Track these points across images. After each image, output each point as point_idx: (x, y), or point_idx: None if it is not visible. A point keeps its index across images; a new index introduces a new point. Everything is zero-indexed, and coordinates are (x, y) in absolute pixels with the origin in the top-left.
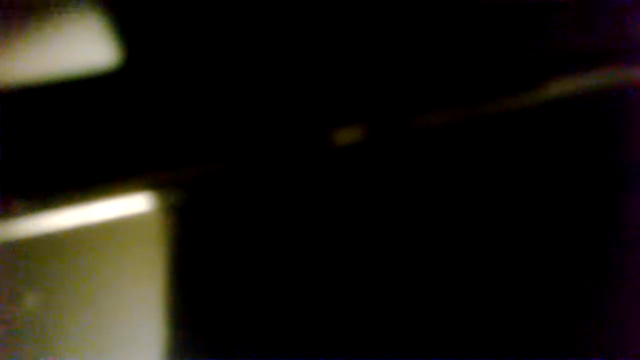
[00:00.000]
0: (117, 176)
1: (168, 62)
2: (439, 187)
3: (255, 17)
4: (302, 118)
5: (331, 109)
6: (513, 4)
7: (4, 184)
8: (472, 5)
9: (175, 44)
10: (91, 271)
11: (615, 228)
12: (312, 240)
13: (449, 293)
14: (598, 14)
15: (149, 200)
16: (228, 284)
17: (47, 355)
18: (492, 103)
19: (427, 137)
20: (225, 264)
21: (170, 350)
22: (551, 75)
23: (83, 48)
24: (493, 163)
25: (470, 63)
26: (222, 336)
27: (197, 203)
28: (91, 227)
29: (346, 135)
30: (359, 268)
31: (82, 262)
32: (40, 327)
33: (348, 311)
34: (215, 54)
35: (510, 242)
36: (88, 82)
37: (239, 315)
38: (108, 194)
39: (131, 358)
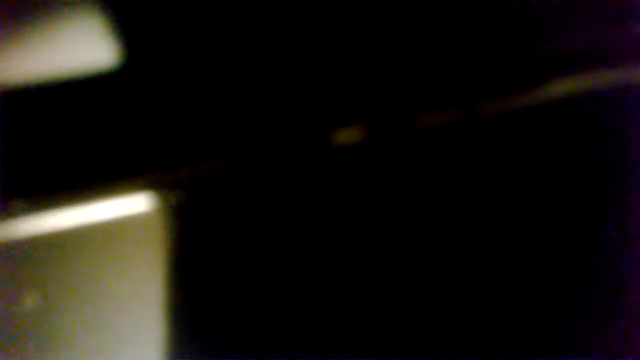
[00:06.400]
0: (117, 176)
1: (168, 62)
2: (439, 187)
3: (255, 17)
4: (302, 118)
5: (331, 109)
6: (513, 4)
7: (4, 184)
8: (472, 5)
9: (175, 44)
10: (91, 271)
11: (615, 228)
12: (313, 240)
13: (450, 292)
14: (598, 14)
15: (149, 200)
16: (228, 283)
17: (47, 355)
18: (492, 103)
19: (427, 137)
20: (225, 264)
21: (170, 350)
22: (551, 75)
23: (83, 48)
24: (493, 163)
25: (470, 63)
26: (222, 336)
27: (197, 203)
28: (91, 227)
29: (346, 135)
30: (360, 268)
31: (82, 262)
32: (40, 327)
33: (348, 311)
34: (215, 54)
35: (511, 241)
36: (88, 82)
37: (239, 315)
38: (108, 194)
39: (131, 358)
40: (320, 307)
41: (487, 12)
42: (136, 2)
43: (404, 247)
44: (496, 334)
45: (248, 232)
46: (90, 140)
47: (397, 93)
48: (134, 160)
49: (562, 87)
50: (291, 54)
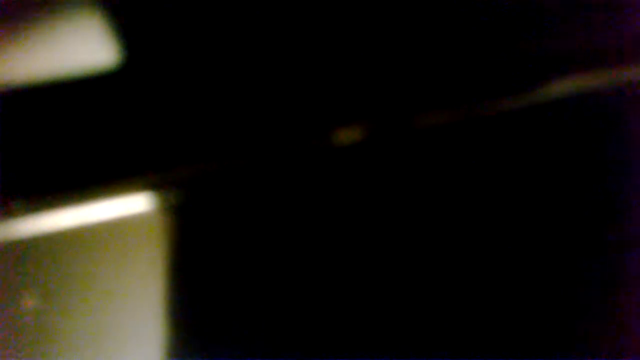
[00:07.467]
0: (117, 176)
1: (168, 62)
2: (440, 187)
3: (255, 17)
4: (302, 118)
5: (331, 109)
6: (513, 4)
7: (4, 184)
8: (472, 5)
9: (175, 44)
10: (91, 271)
11: (615, 228)
12: (313, 240)
13: (451, 292)
14: (598, 14)
15: (149, 200)
16: (228, 283)
17: (47, 355)
18: (492, 103)
19: (427, 137)
20: (225, 264)
21: (170, 350)
22: (551, 75)
23: (83, 48)
24: (493, 163)
25: (470, 63)
26: (222, 336)
27: (197, 203)
28: (91, 227)
29: (347, 135)
30: (360, 268)
31: (82, 262)
32: (40, 327)
33: (349, 311)
34: (215, 54)
35: (511, 241)
36: (88, 82)
37: (239, 315)
38: (108, 194)
39: (131, 358)
40: (321, 307)
41: (487, 11)
42: (136, 2)
43: (404, 246)
44: (496, 334)
45: (248, 232)
46: (90, 140)
47: (397, 93)
48: (134, 160)
49: (562, 87)
50: (291, 54)
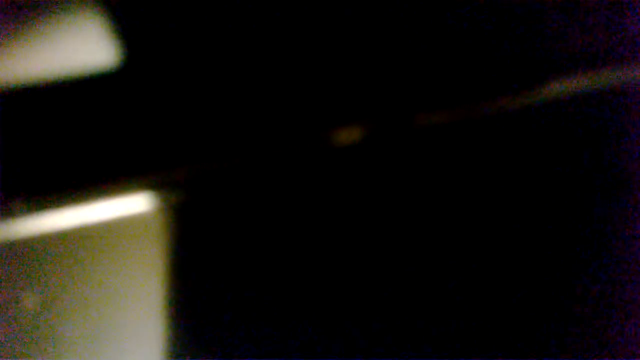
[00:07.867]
0: (117, 176)
1: (168, 62)
2: (439, 186)
3: (255, 17)
4: (302, 118)
5: (331, 109)
6: (513, 4)
7: (4, 184)
8: (472, 5)
9: (175, 44)
10: (91, 271)
11: (614, 228)
12: (313, 240)
13: (451, 292)
14: (598, 14)
15: (149, 200)
16: (228, 283)
17: (47, 355)
18: (492, 103)
19: (427, 136)
20: (225, 264)
21: (170, 350)
22: (551, 75)
23: (83, 48)
24: (493, 163)
25: (470, 63)
26: (222, 336)
27: (197, 203)
28: (91, 227)
29: (346, 135)
30: (360, 268)
31: (82, 262)
32: (40, 327)
33: (349, 311)
34: (215, 54)
35: (510, 241)
36: (88, 82)
37: (238, 315)
38: (108, 194)
39: (131, 358)
40: (321, 306)
41: (487, 12)
42: (136, 2)
43: (404, 246)
44: (496, 334)
45: (248, 232)
46: (90, 140)
47: (397, 93)
48: (134, 160)
49: (562, 87)
50: (291, 54)
